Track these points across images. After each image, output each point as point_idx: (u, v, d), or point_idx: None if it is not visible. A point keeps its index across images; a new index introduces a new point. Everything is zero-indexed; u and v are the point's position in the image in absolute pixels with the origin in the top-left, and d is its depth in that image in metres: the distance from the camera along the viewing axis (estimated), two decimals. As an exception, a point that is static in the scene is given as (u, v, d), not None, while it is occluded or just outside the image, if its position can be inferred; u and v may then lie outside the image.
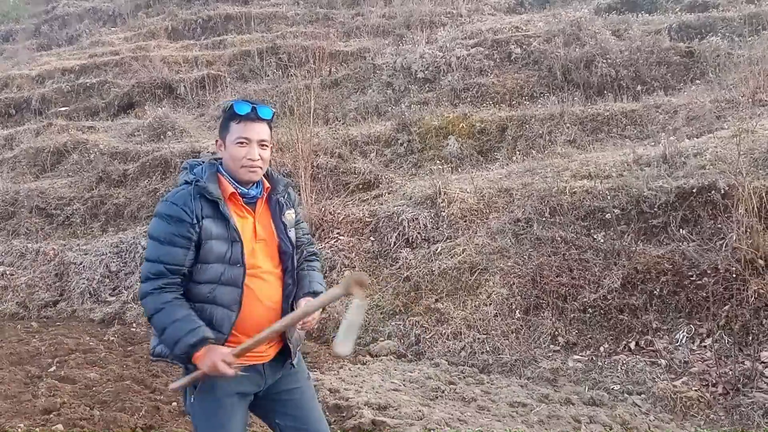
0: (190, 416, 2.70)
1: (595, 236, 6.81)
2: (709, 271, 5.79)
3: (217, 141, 2.69)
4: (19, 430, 4.42)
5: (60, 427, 4.54)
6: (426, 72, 12.15)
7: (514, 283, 6.77)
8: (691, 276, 5.87)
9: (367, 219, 8.63)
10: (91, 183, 11.10)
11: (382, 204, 8.89)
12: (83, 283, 8.95)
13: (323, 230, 8.67)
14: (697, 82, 10.17)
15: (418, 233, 8.09)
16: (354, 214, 8.78)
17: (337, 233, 8.58)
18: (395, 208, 8.49)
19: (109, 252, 9.33)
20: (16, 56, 19.33)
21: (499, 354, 6.09)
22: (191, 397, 2.61)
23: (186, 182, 2.61)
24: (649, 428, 4.66)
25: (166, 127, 12.23)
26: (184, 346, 2.43)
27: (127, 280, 9.06)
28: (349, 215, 8.78)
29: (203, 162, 2.71)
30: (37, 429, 4.48)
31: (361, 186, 9.70)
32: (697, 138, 7.87)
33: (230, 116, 2.64)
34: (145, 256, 2.59)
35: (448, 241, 7.86)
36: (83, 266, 9.16)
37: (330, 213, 8.80)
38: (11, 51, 20.39)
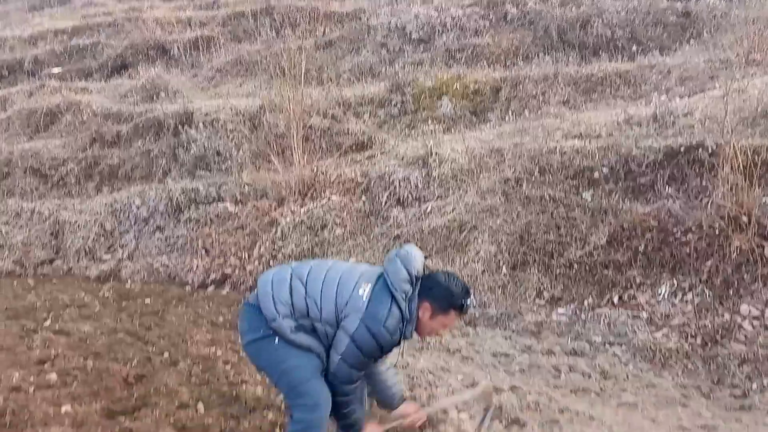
0: None
1: (583, 195, 6.86)
2: (693, 228, 5.87)
3: (426, 305, 2.81)
4: (14, 379, 4.53)
5: (54, 376, 4.65)
6: (421, 32, 12.04)
7: (502, 241, 6.85)
8: (676, 233, 5.95)
9: (360, 179, 8.67)
10: (85, 144, 11.10)
11: (374, 164, 8.92)
12: (78, 242, 9.03)
13: (315, 190, 8.71)
14: (693, 42, 10.10)
15: (410, 193, 8.15)
16: (346, 174, 8.81)
17: (330, 193, 8.63)
18: (387, 169, 8.52)
19: (104, 211, 9.38)
20: (7, 18, 19.09)
21: (485, 308, 6.20)
22: None
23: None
24: (628, 377, 4.78)
25: (160, 88, 12.17)
26: None
27: (122, 238, 9.14)
28: (341, 175, 8.81)
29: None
30: (32, 378, 4.59)
31: (353, 147, 9.71)
32: (689, 98, 7.86)
33: (459, 307, 2.84)
34: None
35: (438, 200, 7.92)
36: (78, 225, 9.23)
37: (322, 173, 8.83)
38: (3, 12, 20.11)
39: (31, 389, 4.36)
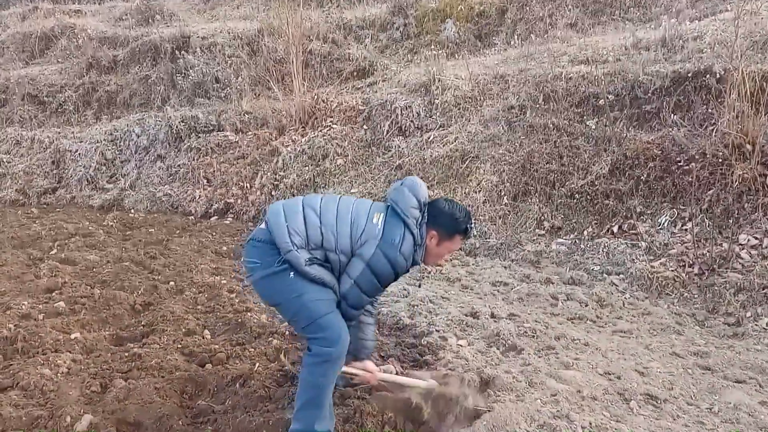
0: None
1: (587, 123, 6.77)
2: (697, 157, 5.81)
3: (432, 233, 2.87)
4: (24, 306, 4.62)
5: (62, 304, 4.75)
6: (425, -51, 11.51)
7: (504, 171, 6.82)
8: (679, 161, 5.90)
9: (361, 107, 8.55)
10: (81, 69, 10.90)
11: (376, 92, 8.78)
12: (80, 171, 9.03)
13: (316, 119, 8.62)
14: (707, -39, 9.67)
15: (411, 121, 8.05)
16: (347, 102, 8.69)
17: (330, 122, 8.53)
18: (389, 96, 8.38)
19: (104, 140, 9.34)
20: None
21: (486, 238, 6.24)
22: None
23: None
24: (624, 305, 4.87)
25: (155, 10, 11.84)
26: None
27: (123, 167, 9.14)
28: (342, 103, 8.69)
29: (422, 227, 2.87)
30: (41, 306, 4.69)
31: (355, 73, 9.53)
32: (699, 21, 7.61)
33: (463, 232, 2.92)
34: None
35: (440, 129, 7.84)
36: (79, 154, 9.21)
37: (323, 101, 8.70)
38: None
39: (41, 317, 4.47)
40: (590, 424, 3.08)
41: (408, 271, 2.89)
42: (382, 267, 2.75)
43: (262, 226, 2.88)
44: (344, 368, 2.98)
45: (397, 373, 3.31)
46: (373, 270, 2.74)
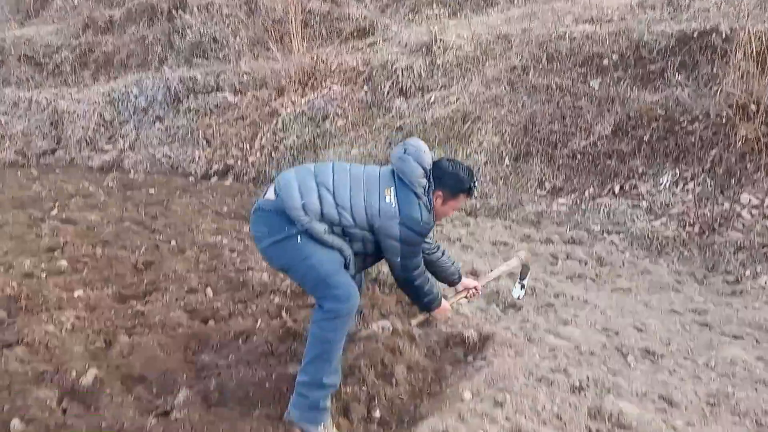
0: None
1: (590, 83, 6.70)
2: (700, 117, 5.77)
3: (438, 193, 2.97)
4: (26, 265, 4.65)
5: (64, 263, 4.77)
6: None
7: (506, 132, 6.78)
8: (682, 122, 5.86)
9: (361, 68, 8.44)
10: (78, 30, 10.74)
11: (376, 52, 8.65)
12: (79, 132, 8.98)
13: (315, 79, 8.52)
14: None
15: (413, 82, 7.96)
16: (347, 62, 8.57)
17: (330, 82, 8.43)
18: (390, 56, 8.27)
19: (102, 101, 9.25)
20: None
21: (487, 199, 6.24)
22: None
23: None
24: (623, 264, 4.89)
25: (150, -31, 11.56)
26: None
27: (122, 128, 9.08)
28: (342, 64, 8.57)
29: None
30: (43, 265, 4.71)
31: (355, 33, 9.37)
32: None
33: (467, 190, 3.03)
34: None
35: (442, 90, 7.75)
36: (77, 115, 9.14)
37: (322, 61, 8.59)
38: None
39: (43, 275, 4.49)
40: (587, 377, 3.13)
41: (432, 228, 3.07)
42: (413, 238, 2.90)
43: (270, 196, 2.90)
44: (452, 299, 3.39)
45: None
46: (408, 243, 2.89)
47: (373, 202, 2.86)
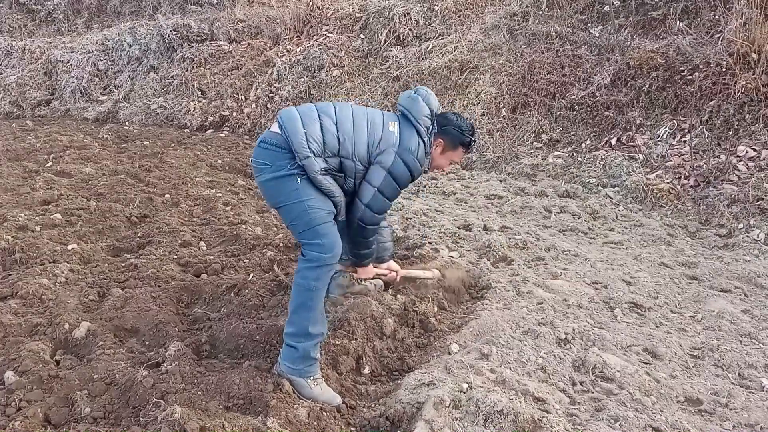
0: None
1: (591, 30, 6.56)
2: (701, 66, 5.67)
3: (439, 141, 3.03)
4: (20, 218, 4.65)
5: (58, 216, 4.78)
6: None
7: (503, 82, 6.68)
8: (683, 71, 5.75)
9: (357, 14, 8.26)
10: (68, -25, 10.47)
11: (373, -3, 8.45)
12: (73, 82, 8.87)
13: (311, 27, 8.35)
14: None
15: (410, 30, 7.80)
16: (343, 9, 8.38)
17: (326, 30, 8.27)
18: (386, 3, 8.08)
19: (96, 50, 9.11)
20: None
21: (483, 152, 6.19)
22: None
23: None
24: (617, 217, 4.89)
25: None
26: None
27: (116, 79, 8.96)
28: (338, 10, 8.39)
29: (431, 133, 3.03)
30: (37, 218, 4.72)
31: (351, -22, 9.13)
32: None
33: (467, 144, 3.08)
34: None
35: (440, 38, 7.60)
36: (71, 64, 9.01)
37: (318, 8, 8.40)
38: None
39: (38, 228, 4.51)
40: (573, 330, 3.16)
41: (421, 174, 3.09)
42: (401, 172, 2.91)
43: (274, 129, 2.90)
44: (373, 270, 3.39)
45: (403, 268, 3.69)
46: (394, 176, 2.91)
47: (376, 131, 2.92)
